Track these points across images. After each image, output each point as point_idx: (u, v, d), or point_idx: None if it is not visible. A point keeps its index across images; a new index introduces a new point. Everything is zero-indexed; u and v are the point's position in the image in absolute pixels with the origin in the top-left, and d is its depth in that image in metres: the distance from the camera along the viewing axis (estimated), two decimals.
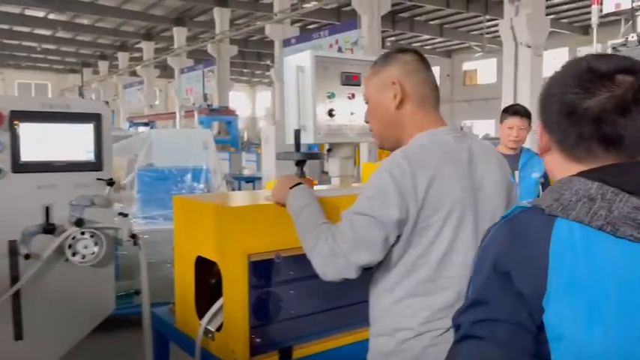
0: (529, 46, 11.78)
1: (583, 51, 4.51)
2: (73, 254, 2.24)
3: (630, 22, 4.30)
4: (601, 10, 4.29)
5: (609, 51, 4.30)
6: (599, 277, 0.86)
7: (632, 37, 4.17)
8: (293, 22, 19.54)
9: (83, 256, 2.25)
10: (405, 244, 1.42)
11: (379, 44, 16.09)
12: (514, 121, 3.23)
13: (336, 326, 1.89)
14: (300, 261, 1.56)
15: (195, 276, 1.93)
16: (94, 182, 2.30)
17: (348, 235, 1.40)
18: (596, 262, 0.87)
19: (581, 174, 0.93)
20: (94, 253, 2.26)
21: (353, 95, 2.25)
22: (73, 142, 2.28)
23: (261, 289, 1.78)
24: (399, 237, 1.41)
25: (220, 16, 20.50)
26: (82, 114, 2.28)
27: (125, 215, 2.51)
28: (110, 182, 2.30)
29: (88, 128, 2.28)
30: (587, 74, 0.93)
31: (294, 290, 1.84)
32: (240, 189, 12.43)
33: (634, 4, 4.14)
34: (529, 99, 11.84)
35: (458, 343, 0.94)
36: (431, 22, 22.73)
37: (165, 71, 27.30)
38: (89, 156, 2.31)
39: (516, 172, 3.27)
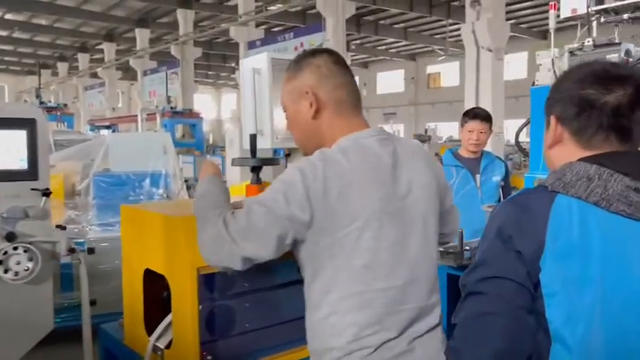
0: (490, 50, 11.99)
1: (541, 55, 4.57)
2: (5, 271, 2.09)
3: (586, 27, 4.36)
4: (558, 15, 4.34)
5: (566, 55, 4.37)
6: (591, 244, 0.99)
7: (588, 41, 4.24)
8: (258, 25, 19.41)
9: (16, 273, 2.11)
10: (324, 256, 1.34)
11: (344, 47, 16.13)
12: (474, 124, 3.23)
13: (294, 339, 1.82)
14: (256, 272, 1.49)
15: (145, 289, 1.84)
16: (28, 192, 2.15)
17: (240, 222, 1.32)
18: (590, 232, 1.00)
19: (581, 159, 1.07)
20: (28, 269, 2.12)
21: None
22: (3, 150, 2.13)
23: (213, 303, 1.70)
24: (318, 247, 1.33)
25: (184, 18, 20.20)
26: (15, 119, 2.14)
27: (63, 228, 2.35)
28: (46, 192, 2.16)
29: (21, 135, 2.14)
30: (604, 74, 1.10)
31: (250, 303, 1.76)
32: None
33: (590, 10, 4.20)
34: (490, 101, 12.06)
35: (463, 301, 1.05)
36: (395, 26, 22.95)
37: (128, 73, 26.71)
38: (22, 164, 2.16)
39: (477, 176, 3.27)
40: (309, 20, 19.83)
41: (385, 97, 29.66)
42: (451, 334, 1.08)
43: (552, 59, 4.43)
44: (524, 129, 4.98)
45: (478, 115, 3.25)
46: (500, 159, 3.47)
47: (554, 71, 4.43)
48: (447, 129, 23.16)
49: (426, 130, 20.76)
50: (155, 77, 22.57)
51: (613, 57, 4.15)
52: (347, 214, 1.31)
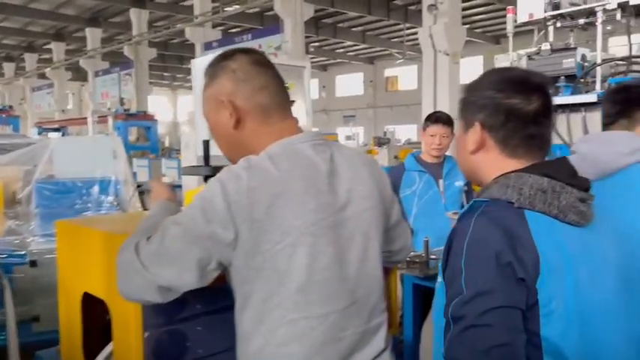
0: (447, 54, 12.12)
1: (500, 59, 4.59)
2: None
3: (543, 32, 4.39)
4: (515, 20, 4.35)
5: (524, 59, 4.38)
6: (567, 258, 1.05)
7: (546, 45, 4.26)
8: (215, 26, 19.09)
9: None
10: (254, 279, 1.19)
11: (303, 49, 16.04)
12: (436, 128, 3.15)
13: None
14: (210, 293, 1.33)
15: (84, 315, 1.65)
16: None
17: (153, 246, 1.16)
18: (563, 245, 1.05)
19: (525, 170, 1.10)
20: None
21: None
22: None
23: (161, 329, 1.53)
24: (247, 269, 1.18)
25: (137, 18, 19.66)
26: None
27: None
28: None
29: None
30: (523, 83, 1.15)
31: (203, 326, 1.60)
32: None
33: (546, 15, 4.22)
34: (448, 105, 12.17)
35: (461, 333, 1.00)
36: (353, 29, 23.03)
37: (79, 74, 25.76)
38: None
39: (440, 181, 3.20)
40: (267, 22, 19.64)
41: (344, 99, 29.73)
42: (416, 349, 1.06)
43: (511, 63, 4.45)
44: None
45: (440, 118, 3.18)
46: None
47: None
48: (406, 132, 23.41)
49: (385, 133, 20.92)
50: (107, 78, 21.83)
51: (569, 61, 4.19)
52: (277, 229, 1.16)
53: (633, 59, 4.02)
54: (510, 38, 4.51)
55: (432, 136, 3.16)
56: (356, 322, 1.27)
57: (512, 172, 1.12)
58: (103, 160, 4.68)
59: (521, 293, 1.01)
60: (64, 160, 4.59)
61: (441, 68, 12.54)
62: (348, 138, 16.99)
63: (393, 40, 23.45)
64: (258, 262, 1.17)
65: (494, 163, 1.17)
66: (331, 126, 26.50)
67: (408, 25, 19.62)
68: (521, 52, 4.53)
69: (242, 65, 1.29)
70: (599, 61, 4.04)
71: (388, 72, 28.44)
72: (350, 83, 30.01)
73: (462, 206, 3.30)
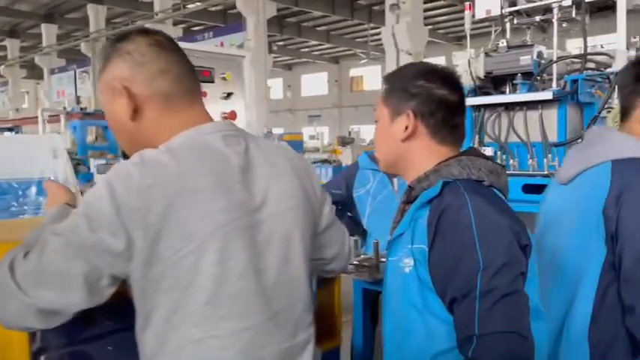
0: (410, 54, 12.12)
1: (458, 56, 4.51)
2: None
3: (500, 29, 4.32)
4: (473, 16, 4.28)
5: (482, 56, 4.31)
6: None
7: (502, 43, 4.20)
8: (177, 23, 18.69)
9: None
10: (154, 293, 1.03)
11: (265, 47, 15.83)
12: None
13: None
14: (123, 307, 1.15)
15: None
16: None
17: (30, 262, 0.98)
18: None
19: (465, 154, 1.24)
20: None
21: (205, 94, 1.85)
22: None
23: (62, 350, 1.33)
24: (146, 282, 1.02)
25: (95, 14, 19.09)
26: None
27: None
28: None
29: None
30: (449, 77, 1.29)
31: (114, 346, 1.41)
32: None
33: (503, 11, 4.15)
34: None
35: (494, 305, 1.01)
36: (318, 28, 22.94)
37: (34, 71, 24.88)
38: None
39: (394, 180, 3.06)
40: (230, 20, 19.33)
41: (309, 99, 29.62)
42: (369, 355, 1.03)
43: (469, 60, 4.38)
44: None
45: None
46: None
47: (471, 72, 4.37)
48: (371, 132, 23.42)
49: (349, 133, 20.91)
50: (64, 76, 21.14)
51: (526, 58, 4.13)
52: (178, 234, 0.99)
53: (588, 56, 3.99)
54: (468, 35, 4.44)
55: None
56: (277, 339, 1.11)
57: (456, 156, 1.24)
58: (42, 160, 4.38)
59: (525, 259, 1.10)
60: (0, 160, 4.29)
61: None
62: (312, 137, 16.86)
63: (357, 39, 23.46)
64: (158, 273, 1.00)
65: (426, 150, 1.25)
66: (296, 126, 26.33)
67: (372, 24, 19.63)
68: (481, 49, 4.46)
69: (139, 47, 1.11)
70: (555, 58, 3.99)
71: (353, 72, 28.46)
72: (315, 83, 29.90)
73: None
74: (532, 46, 4.14)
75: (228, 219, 1.04)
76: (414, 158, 1.26)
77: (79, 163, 10.30)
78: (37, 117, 17.84)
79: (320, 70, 29.32)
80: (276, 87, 31.71)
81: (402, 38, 12.04)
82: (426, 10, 14.65)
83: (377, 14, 18.72)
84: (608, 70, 3.81)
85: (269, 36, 23.01)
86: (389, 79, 1.32)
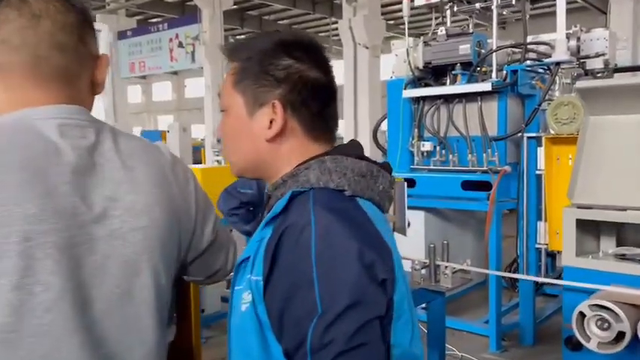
0: (367, 47, 11.90)
1: (396, 45, 4.28)
2: None
3: (440, 17, 4.11)
4: (412, 1, 4.04)
5: (420, 45, 4.09)
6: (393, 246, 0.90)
7: (441, 31, 3.98)
8: (133, 15, 18.07)
9: None
10: None
11: (221, 40, 15.36)
12: None
13: None
14: None
15: None
16: None
17: None
18: (391, 236, 0.92)
19: (335, 152, 0.94)
20: None
21: None
22: None
23: None
24: None
25: None
26: None
27: None
28: None
29: None
30: (318, 53, 0.96)
31: None
32: None
33: None
34: (367, 100, 12.00)
35: None
36: (280, 22, 22.54)
37: None
38: None
39: None
40: (188, 11, 18.77)
41: None
42: None
43: (407, 49, 4.15)
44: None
45: None
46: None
47: (409, 62, 4.14)
48: (341, 126, 23.21)
49: None
50: None
51: (465, 47, 3.92)
52: None
53: (529, 46, 3.80)
54: (406, 22, 4.21)
55: None
56: None
57: (320, 155, 0.93)
58: None
59: (384, 297, 0.81)
60: None
61: (361, 62, 12.32)
62: None
63: (320, 34, 23.15)
64: None
65: (299, 150, 0.94)
66: None
67: (333, 19, 19.37)
68: (420, 38, 4.23)
69: None
70: (494, 47, 3.79)
71: None
72: None
73: None
74: (471, 34, 3.93)
75: (37, 230, 0.79)
76: (283, 161, 0.95)
77: None
78: None
79: None
80: None
81: (359, 31, 11.82)
82: (387, 5, 14.47)
83: (338, 8, 18.42)
84: (548, 60, 3.62)
85: (229, 29, 22.55)
86: (239, 54, 0.96)
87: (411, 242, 4.30)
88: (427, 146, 4.10)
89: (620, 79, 2.68)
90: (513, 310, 4.16)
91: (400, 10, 16.59)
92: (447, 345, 3.93)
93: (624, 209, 2.13)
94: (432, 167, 4.08)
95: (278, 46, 0.93)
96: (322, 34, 22.79)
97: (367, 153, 1.03)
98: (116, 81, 18.28)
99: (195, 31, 15.48)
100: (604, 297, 1.80)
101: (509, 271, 4.00)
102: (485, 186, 3.81)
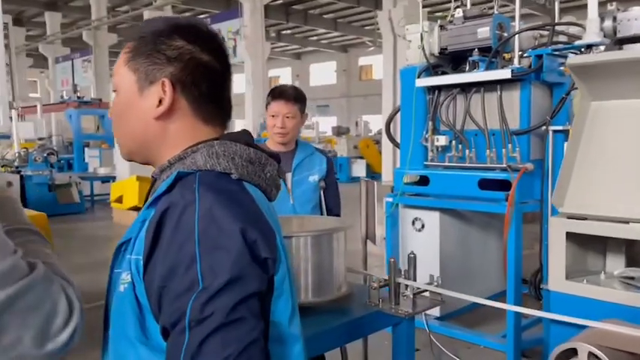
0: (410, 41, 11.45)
1: (411, 29, 3.91)
2: None
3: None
4: None
5: (436, 29, 3.72)
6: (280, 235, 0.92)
7: (459, 13, 3.60)
8: (183, 12, 18.34)
9: None
10: None
11: (262, 34, 15.29)
12: (278, 106, 2.44)
13: None
14: None
15: None
16: None
17: None
18: (276, 221, 0.94)
19: (225, 138, 0.96)
20: None
21: None
22: None
23: None
24: None
25: (97, 1, 18.80)
26: None
27: None
28: None
29: None
30: (213, 38, 1.00)
31: None
32: (92, 191, 11.16)
33: None
34: None
35: (207, 338, 0.76)
36: (325, 16, 22.31)
37: (45, 61, 24.80)
38: None
39: (288, 175, 2.51)
40: (233, 7, 18.86)
41: (318, 89, 29.03)
42: None
43: (421, 34, 3.78)
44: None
45: (284, 93, 2.46)
46: (322, 152, 2.69)
47: (423, 47, 3.77)
48: (380, 122, 22.77)
49: (356, 123, 20.29)
50: (67, 65, 20.98)
51: (484, 30, 3.52)
52: None
53: (557, 27, 3.35)
54: (420, 3, 3.83)
55: (273, 115, 2.46)
56: None
57: (210, 140, 0.96)
58: None
59: (265, 275, 0.83)
60: None
61: (401, 54, 11.87)
62: (307, 127, 16.29)
63: (365, 27, 22.75)
64: None
65: (187, 132, 0.97)
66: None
67: (378, 12, 18.96)
68: (437, 21, 3.86)
69: None
70: (517, 29, 3.37)
71: (362, 60, 27.72)
72: (324, 72, 29.23)
73: (320, 207, 2.62)
74: (491, 16, 3.52)
75: None
76: (171, 143, 0.97)
77: (51, 152, 9.89)
78: (30, 106, 17.70)
79: (329, 59, 28.64)
80: (285, 76, 31.15)
81: (399, 22, 11.36)
82: None
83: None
84: (579, 42, 3.17)
85: (275, 24, 22.52)
86: (134, 34, 0.99)
87: (425, 246, 3.95)
88: (442, 140, 3.72)
89: (627, 51, 2.14)
90: (537, 324, 3.73)
91: (443, 2, 16.19)
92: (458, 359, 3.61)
93: (627, 222, 1.66)
94: (447, 164, 3.70)
95: (172, 28, 0.96)
96: (367, 27, 22.37)
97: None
98: None
99: (236, 26, 15.45)
100: (592, 338, 1.37)
101: (534, 282, 3.57)
102: (504, 185, 3.41)
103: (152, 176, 1.01)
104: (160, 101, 0.93)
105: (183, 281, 0.78)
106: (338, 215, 2.60)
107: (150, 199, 0.91)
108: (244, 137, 0.98)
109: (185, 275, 0.78)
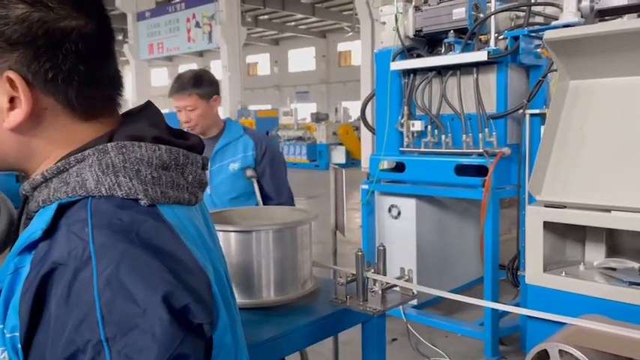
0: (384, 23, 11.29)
1: (385, 10, 3.79)
2: None
3: None
4: None
5: (410, 11, 3.61)
6: (208, 261, 0.71)
7: None
8: None
9: None
10: None
11: (238, 19, 15.01)
12: (176, 101, 2.25)
13: None
14: None
15: None
16: None
17: None
18: (203, 245, 0.73)
19: (123, 133, 0.69)
20: None
21: None
22: None
23: None
24: None
25: None
26: None
27: None
28: None
29: None
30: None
31: None
32: None
33: None
34: None
35: None
36: (303, 1, 22.00)
37: None
38: None
39: (206, 173, 2.29)
40: None
41: (297, 75, 28.73)
42: None
43: (396, 15, 3.66)
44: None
45: (178, 86, 2.24)
46: (254, 136, 2.39)
47: (398, 29, 3.66)
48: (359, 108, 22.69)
49: (336, 109, 20.14)
50: None
51: (460, 11, 3.41)
52: None
53: (533, 7, 3.26)
54: None
55: (178, 112, 2.27)
56: None
57: (100, 138, 0.69)
58: None
59: (202, 342, 0.63)
60: None
61: (379, 39, 11.73)
62: (286, 114, 16.10)
63: (344, 12, 22.50)
64: None
65: (63, 136, 0.69)
66: (284, 102, 25.57)
67: None
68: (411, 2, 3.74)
69: None
70: (493, 10, 3.27)
71: (341, 46, 27.49)
72: (302, 58, 28.92)
73: (257, 197, 2.36)
74: None
75: None
76: (42, 153, 0.70)
77: None
78: None
79: (307, 45, 28.34)
80: (263, 63, 30.76)
81: (373, 3, 11.19)
82: None
83: None
84: (556, 22, 3.08)
85: (252, 9, 22.15)
86: None
87: (402, 234, 3.87)
88: (417, 125, 3.62)
89: (607, 23, 2.01)
90: None
91: None
92: (436, 349, 3.55)
93: (608, 210, 1.57)
94: (422, 149, 3.61)
95: None
96: (346, 12, 22.13)
97: None
98: (136, 63, 18.16)
99: (211, 11, 15.13)
100: (570, 337, 1.29)
101: (512, 269, 3.51)
102: (481, 170, 3.34)
103: (22, 192, 0.72)
104: (12, 101, 0.65)
105: None
106: (281, 204, 2.28)
107: (21, 239, 0.66)
108: (151, 124, 0.73)
109: None
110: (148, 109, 0.76)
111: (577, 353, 1.16)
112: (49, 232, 0.62)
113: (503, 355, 3.40)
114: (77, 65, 0.66)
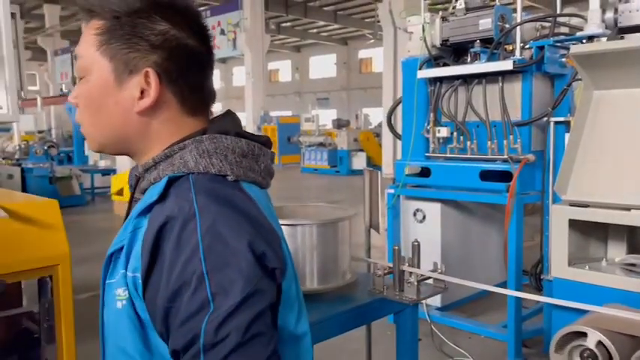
0: (407, 31, 11.42)
1: (412, 20, 3.92)
2: None
3: None
4: None
5: (437, 22, 3.72)
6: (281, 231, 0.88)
7: (460, 4, 3.60)
8: None
9: None
10: None
11: (262, 26, 15.26)
12: None
13: None
14: None
15: None
16: None
17: None
18: (275, 218, 0.90)
19: (213, 129, 0.88)
20: None
21: None
22: None
23: None
24: None
25: None
26: None
27: None
28: None
29: None
30: (197, 21, 0.90)
31: None
32: (93, 183, 11.17)
33: None
34: None
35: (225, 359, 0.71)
36: (325, 8, 22.23)
37: (42, 54, 24.73)
38: None
39: None
40: None
41: (318, 81, 28.96)
42: None
43: (423, 25, 3.78)
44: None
45: None
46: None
47: (425, 39, 3.78)
48: (380, 115, 22.74)
49: (356, 116, 20.26)
50: (67, 58, 20.93)
51: (486, 22, 3.52)
52: None
53: (559, 18, 3.35)
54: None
55: None
56: None
57: (196, 133, 0.88)
58: None
59: (274, 285, 0.80)
60: None
61: (402, 46, 11.85)
62: (308, 120, 16.27)
63: (365, 19, 22.68)
64: None
65: (173, 126, 0.88)
66: (305, 108, 25.81)
67: (378, 3, 18.87)
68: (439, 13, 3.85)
69: None
70: (519, 20, 3.37)
71: (362, 53, 27.65)
72: (323, 65, 29.15)
73: None
74: (493, 7, 3.52)
75: None
76: (154, 138, 0.89)
77: (52, 145, 9.90)
78: (30, 99, 17.61)
79: (328, 51, 28.58)
80: (284, 69, 31.07)
81: (400, 14, 11.32)
82: None
83: None
84: (580, 34, 3.18)
85: (274, 16, 22.46)
86: (103, 11, 0.85)
87: (426, 237, 3.95)
88: (443, 132, 3.73)
89: (630, 40, 2.16)
90: (538, 314, 3.76)
91: None
92: (460, 350, 3.63)
93: (628, 209, 1.68)
94: (448, 155, 3.72)
95: (152, 8, 0.85)
96: (367, 19, 22.29)
97: None
98: None
99: (236, 18, 15.42)
100: (594, 322, 1.40)
101: (535, 274, 3.59)
102: (506, 176, 3.43)
103: (135, 175, 0.92)
104: (142, 93, 0.84)
105: (192, 302, 0.73)
106: None
107: (139, 206, 0.83)
108: (233, 125, 0.91)
109: (194, 296, 0.73)
110: (229, 113, 0.95)
111: (602, 338, 1.27)
112: (162, 198, 0.80)
113: (526, 357, 3.47)
114: (193, 73, 0.87)
